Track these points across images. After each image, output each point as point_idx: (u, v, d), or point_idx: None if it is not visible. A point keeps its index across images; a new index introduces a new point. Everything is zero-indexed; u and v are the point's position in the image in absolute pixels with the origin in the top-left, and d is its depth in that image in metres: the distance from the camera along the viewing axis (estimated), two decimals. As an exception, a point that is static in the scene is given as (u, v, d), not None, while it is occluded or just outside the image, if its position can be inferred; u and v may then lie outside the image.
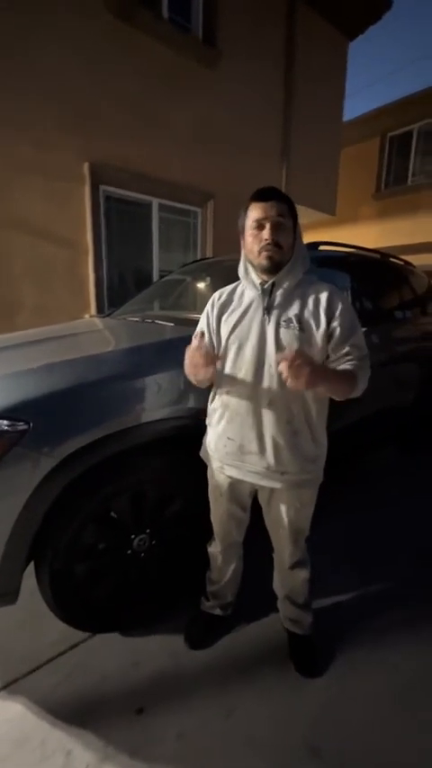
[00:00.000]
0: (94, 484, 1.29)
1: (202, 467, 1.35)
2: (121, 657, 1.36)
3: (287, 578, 1.33)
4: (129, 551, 1.42)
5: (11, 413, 1.14)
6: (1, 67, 2.95)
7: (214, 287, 2.44)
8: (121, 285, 3.91)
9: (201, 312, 2.06)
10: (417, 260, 3.71)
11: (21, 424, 1.14)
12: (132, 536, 1.42)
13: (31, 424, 1.15)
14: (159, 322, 2.06)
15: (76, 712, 1.19)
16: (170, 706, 1.21)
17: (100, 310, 3.62)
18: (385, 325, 2.55)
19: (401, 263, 3.09)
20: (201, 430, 1.36)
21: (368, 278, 2.60)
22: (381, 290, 2.74)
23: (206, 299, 2.71)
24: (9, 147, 3.04)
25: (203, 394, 1.38)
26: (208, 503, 1.37)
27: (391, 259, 2.99)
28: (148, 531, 1.45)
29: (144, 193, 3.86)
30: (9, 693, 1.24)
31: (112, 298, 3.75)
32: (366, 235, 8.18)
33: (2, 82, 2.97)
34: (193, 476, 1.45)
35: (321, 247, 2.29)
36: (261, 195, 1.05)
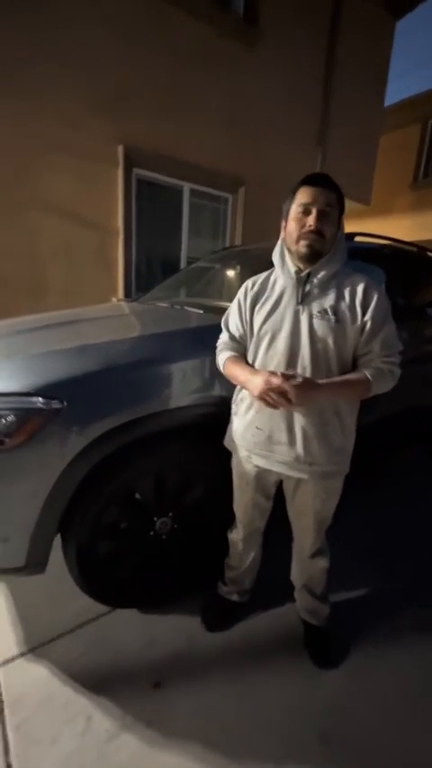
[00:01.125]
0: (121, 465, 1.31)
1: (225, 454, 1.36)
2: (140, 634, 1.41)
3: (306, 567, 1.34)
4: (151, 533, 1.46)
5: (46, 391, 1.18)
6: (33, 47, 2.93)
7: (243, 275, 2.42)
8: (149, 270, 3.92)
9: (229, 300, 2.06)
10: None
11: (55, 402, 1.17)
12: (155, 518, 1.45)
13: (65, 404, 1.18)
14: (188, 309, 2.06)
15: (96, 681, 1.24)
16: (186, 684, 1.25)
17: (127, 294, 3.65)
18: (417, 321, 2.47)
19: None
20: (226, 418, 1.37)
21: (403, 271, 2.51)
22: (415, 284, 2.65)
23: (235, 286, 2.69)
24: (42, 129, 3.05)
25: (229, 382, 1.39)
26: (230, 490, 1.39)
27: (429, 253, 2.88)
28: (170, 514, 1.48)
29: (176, 178, 3.83)
30: (35, 657, 1.30)
31: (140, 282, 3.77)
32: (399, 227, 7.89)
33: (37, 63, 2.96)
34: (217, 463, 1.46)
35: (357, 238, 2.22)
36: (312, 180, 1.03)
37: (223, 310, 1.88)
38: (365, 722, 1.16)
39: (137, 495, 1.41)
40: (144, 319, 2.01)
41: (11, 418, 1.13)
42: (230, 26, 3.83)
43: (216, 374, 1.45)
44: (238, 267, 2.54)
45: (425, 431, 2.95)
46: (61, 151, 3.14)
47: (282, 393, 0.95)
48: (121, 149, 3.38)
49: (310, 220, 1.01)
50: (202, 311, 1.97)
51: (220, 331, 1.41)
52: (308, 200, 1.02)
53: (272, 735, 1.12)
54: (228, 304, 1.94)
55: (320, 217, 1.01)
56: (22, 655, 1.31)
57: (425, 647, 1.40)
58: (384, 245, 2.47)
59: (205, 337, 1.55)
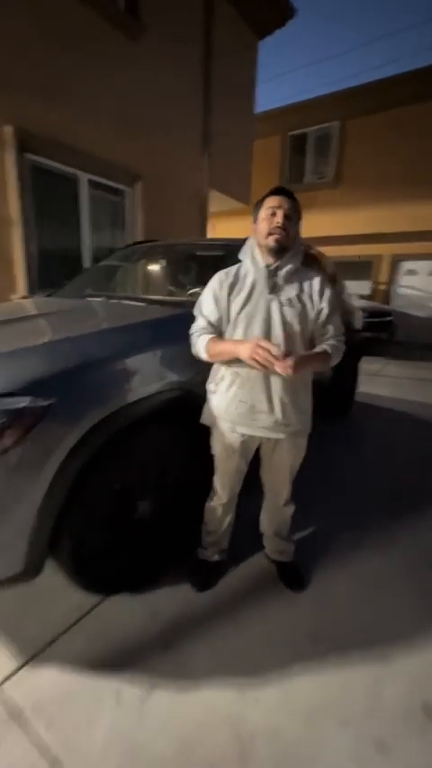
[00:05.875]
0: (107, 456, 1.35)
1: (197, 433, 1.51)
2: (138, 611, 1.48)
3: (279, 515, 1.61)
4: (136, 516, 1.53)
5: (33, 389, 1.15)
6: None
7: (172, 270, 2.56)
8: (50, 265, 3.65)
9: (159, 294, 2.19)
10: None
11: (42, 400, 1.16)
12: (138, 502, 1.53)
13: (54, 400, 1.17)
14: (127, 303, 2.10)
15: (111, 661, 1.29)
16: (193, 638, 1.39)
17: (31, 291, 3.35)
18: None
19: (315, 250, 3.57)
20: (193, 400, 1.53)
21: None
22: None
23: (160, 281, 2.79)
24: None
25: (190, 366, 1.54)
26: (204, 464, 1.55)
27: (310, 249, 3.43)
28: (151, 496, 1.57)
29: (73, 167, 3.64)
30: (39, 663, 1.27)
31: (42, 278, 3.50)
32: (272, 226, 8.84)
33: None
34: (188, 442, 1.60)
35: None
36: (277, 191, 1.28)
37: (164, 304, 2.02)
38: (341, 618, 1.48)
39: (122, 483, 1.46)
40: (95, 314, 1.98)
41: (2, 420, 1.09)
42: (112, 13, 3.77)
43: (178, 361, 1.58)
44: (162, 262, 2.65)
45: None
46: None
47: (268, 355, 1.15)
48: (9, 130, 3.06)
49: (278, 218, 1.25)
50: (144, 304, 2.04)
51: (179, 322, 1.55)
52: (275, 204, 1.26)
53: (275, 649, 1.35)
54: (165, 298, 2.10)
55: (286, 217, 1.25)
56: (21, 667, 1.26)
57: (371, 555, 1.81)
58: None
59: (168, 327, 1.68)
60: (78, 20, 3.46)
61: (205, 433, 1.52)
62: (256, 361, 1.17)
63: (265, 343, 1.17)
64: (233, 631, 1.42)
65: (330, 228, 9.02)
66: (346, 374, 3.68)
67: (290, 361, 1.14)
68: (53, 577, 1.34)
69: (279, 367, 1.15)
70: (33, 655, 1.30)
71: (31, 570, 1.22)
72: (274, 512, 1.62)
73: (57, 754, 1.04)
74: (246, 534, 1.72)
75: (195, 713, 1.16)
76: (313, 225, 9.13)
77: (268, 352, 1.15)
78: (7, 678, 1.22)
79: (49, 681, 1.22)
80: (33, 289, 3.37)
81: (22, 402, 1.12)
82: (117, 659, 1.30)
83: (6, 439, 1.09)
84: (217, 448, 1.48)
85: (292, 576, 1.64)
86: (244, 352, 1.20)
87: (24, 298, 3.14)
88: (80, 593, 1.44)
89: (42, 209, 3.48)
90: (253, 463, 1.55)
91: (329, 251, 8.29)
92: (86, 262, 3.98)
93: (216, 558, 1.67)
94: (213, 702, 1.19)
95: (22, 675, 1.23)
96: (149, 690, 1.21)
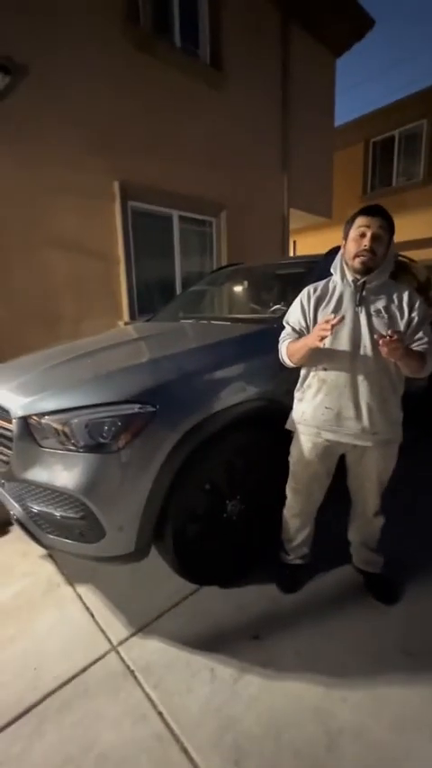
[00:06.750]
0: (202, 456, 1.54)
1: (279, 439, 1.60)
2: (229, 603, 1.61)
3: (368, 525, 1.60)
4: (224, 515, 1.68)
5: (141, 398, 1.40)
6: (38, 100, 3.21)
7: (254, 290, 2.75)
8: (148, 293, 4.17)
9: (240, 312, 2.35)
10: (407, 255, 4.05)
11: (149, 406, 1.39)
12: (227, 501, 1.68)
13: (158, 407, 1.40)
14: (214, 323, 2.33)
15: (206, 642, 1.44)
16: (280, 634, 1.47)
17: (132, 317, 3.87)
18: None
19: (404, 257, 3.43)
20: (276, 409, 1.63)
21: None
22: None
23: (244, 300, 2.98)
24: (50, 173, 3.32)
25: (276, 378, 1.65)
26: (284, 470, 1.63)
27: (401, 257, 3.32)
28: (238, 497, 1.71)
29: (166, 206, 4.15)
30: (147, 634, 1.48)
31: (141, 305, 4.01)
32: (357, 235, 8.58)
33: (42, 114, 3.26)
34: (271, 447, 1.71)
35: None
36: (367, 210, 1.30)
37: (247, 321, 2.19)
38: (432, 637, 1.42)
39: (212, 484, 1.63)
40: (187, 334, 2.24)
41: (119, 423, 1.35)
42: (201, 72, 4.27)
43: (259, 372, 1.71)
44: (245, 284, 2.86)
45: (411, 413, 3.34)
46: (66, 192, 3.38)
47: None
48: (116, 185, 3.66)
49: (365, 242, 1.28)
50: (228, 323, 2.24)
51: (260, 337, 1.69)
52: (364, 224, 1.29)
53: (363, 656, 1.36)
54: (247, 316, 2.26)
55: (373, 239, 1.28)
56: (133, 634, 1.48)
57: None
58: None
59: (252, 343, 1.83)
60: (169, 84, 4.01)
61: (290, 440, 1.61)
62: (322, 337, 1.25)
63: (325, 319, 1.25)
64: (319, 633, 1.46)
65: (424, 230, 8.40)
66: (444, 384, 3.41)
67: (395, 337, 1.15)
68: (158, 565, 1.57)
69: (385, 345, 1.16)
70: (143, 626, 1.51)
71: (140, 551, 1.44)
72: (362, 522, 1.62)
73: (162, 710, 1.21)
74: (334, 540, 1.75)
75: (283, 701, 1.23)
76: (404, 228, 8.64)
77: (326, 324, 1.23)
78: (122, 642, 1.45)
79: (156, 649, 1.42)
80: (134, 315, 3.88)
81: (133, 409, 1.38)
82: (211, 641, 1.45)
83: (121, 439, 1.35)
84: (295, 453, 1.56)
85: (382, 587, 1.61)
86: (311, 338, 1.29)
87: (127, 323, 3.63)
88: (179, 581, 1.62)
89: (141, 246, 4.02)
90: (339, 472, 1.58)
91: (422, 255, 7.74)
92: (179, 288, 4.43)
93: (298, 561, 1.72)
94: (300, 694, 1.25)
95: (134, 641, 1.45)
96: (240, 672, 1.32)
